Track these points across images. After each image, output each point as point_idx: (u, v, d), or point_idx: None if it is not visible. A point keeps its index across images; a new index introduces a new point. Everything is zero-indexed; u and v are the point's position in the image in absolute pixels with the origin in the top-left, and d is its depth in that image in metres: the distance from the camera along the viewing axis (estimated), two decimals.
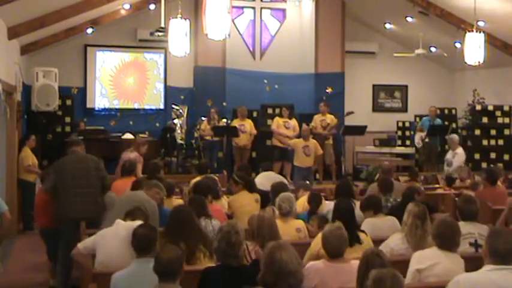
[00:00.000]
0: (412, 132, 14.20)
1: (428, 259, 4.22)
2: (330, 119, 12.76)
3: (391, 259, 4.78)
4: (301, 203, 6.88)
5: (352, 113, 13.37)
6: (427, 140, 12.91)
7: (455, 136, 11.00)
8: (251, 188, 7.27)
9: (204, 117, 12.79)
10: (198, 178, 7.77)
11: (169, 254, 3.61)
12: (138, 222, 4.57)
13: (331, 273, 4.01)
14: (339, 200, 5.69)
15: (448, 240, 4.26)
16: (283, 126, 12.38)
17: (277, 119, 12.58)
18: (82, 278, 4.84)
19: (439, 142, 13.35)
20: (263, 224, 4.62)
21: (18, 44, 10.83)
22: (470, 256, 4.58)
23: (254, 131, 12.60)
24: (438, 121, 13.20)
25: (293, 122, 12.45)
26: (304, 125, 12.02)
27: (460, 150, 10.78)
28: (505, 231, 3.89)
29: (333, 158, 12.71)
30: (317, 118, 12.80)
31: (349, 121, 13.52)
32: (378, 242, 5.14)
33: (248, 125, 12.51)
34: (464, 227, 4.91)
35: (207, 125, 12.53)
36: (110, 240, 4.63)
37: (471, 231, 4.96)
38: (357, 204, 6.13)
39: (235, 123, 12.52)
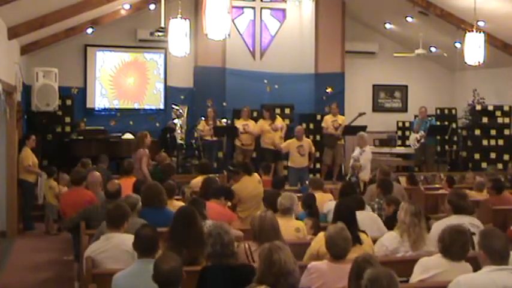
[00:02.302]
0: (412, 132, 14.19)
1: (433, 268, 4.11)
2: (342, 119, 12.82)
3: (386, 259, 4.81)
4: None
5: (364, 113, 13.23)
6: (422, 140, 12.92)
7: (364, 134, 10.90)
8: (249, 170, 7.39)
9: (204, 117, 12.79)
10: (199, 178, 7.77)
11: (169, 264, 3.54)
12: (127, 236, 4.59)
13: (334, 275, 4.01)
14: (340, 201, 5.72)
15: (449, 249, 4.11)
16: (270, 131, 12.27)
17: (261, 123, 12.43)
18: (82, 278, 4.82)
19: (437, 142, 13.38)
20: (264, 225, 4.60)
21: (18, 44, 10.82)
22: (471, 256, 4.55)
23: (255, 130, 12.58)
24: (434, 121, 13.22)
25: (279, 123, 12.38)
26: (277, 124, 12.12)
27: (367, 148, 10.66)
28: (496, 230, 3.91)
29: (343, 158, 12.73)
30: (328, 119, 12.82)
31: (357, 121, 13.30)
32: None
33: (252, 125, 12.50)
34: (456, 219, 4.97)
35: (205, 125, 12.51)
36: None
37: (460, 221, 4.95)
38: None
39: (239, 123, 12.53)
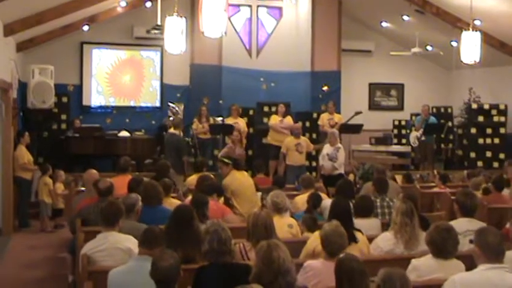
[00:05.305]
0: (408, 131, 14.21)
1: (426, 273, 4.10)
2: (338, 118, 12.83)
3: (381, 258, 4.80)
4: (302, 201, 6.96)
5: (360, 112, 13.24)
6: (423, 138, 12.93)
7: (336, 131, 10.94)
8: (238, 166, 7.53)
9: (198, 115, 12.76)
10: (194, 176, 7.77)
11: (168, 261, 3.55)
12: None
13: (330, 273, 3.99)
14: (336, 199, 5.68)
15: (443, 249, 4.10)
16: (278, 127, 12.29)
17: (274, 117, 12.53)
18: (78, 276, 4.82)
19: (434, 141, 13.39)
20: (257, 223, 4.59)
21: (14, 41, 10.79)
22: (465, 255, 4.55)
23: (245, 129, 12.58)
24: (433, 119, 13.23)
25: (287, 121, 12.40)
26: (285, 121, 12.12)
27: (341, 145, 10.74)
28: (490, 228, 3.92)
29: None
30: (324, 117, 12.83)
31: (353, 120, 13.29)
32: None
33: (241, 123, 12.48)
34: (462, 224, 4.89)
35: (199, 124, 12.48)
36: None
37: (469, 228, 4.88)
38: None
39: (229, 121, 12.50)
